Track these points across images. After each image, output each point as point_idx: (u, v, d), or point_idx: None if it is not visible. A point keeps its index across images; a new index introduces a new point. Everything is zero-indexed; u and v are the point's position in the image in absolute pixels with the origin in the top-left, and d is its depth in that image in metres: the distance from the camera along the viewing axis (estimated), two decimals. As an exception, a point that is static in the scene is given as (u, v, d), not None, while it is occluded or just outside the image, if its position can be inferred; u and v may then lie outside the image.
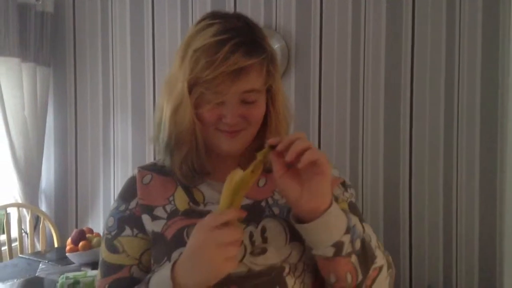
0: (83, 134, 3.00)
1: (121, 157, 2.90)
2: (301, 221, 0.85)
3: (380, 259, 0.91)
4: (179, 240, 0.93)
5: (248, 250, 0.91)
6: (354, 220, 0.88)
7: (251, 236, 0.92)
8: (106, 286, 0.98)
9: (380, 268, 0.90)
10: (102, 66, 2.94)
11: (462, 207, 2.33)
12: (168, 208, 0.98)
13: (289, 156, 0.80)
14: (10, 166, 2.74)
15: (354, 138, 2.48)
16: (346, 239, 0.84)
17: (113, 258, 0.99)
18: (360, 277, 0.87)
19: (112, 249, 0.99)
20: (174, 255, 0.92)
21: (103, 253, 1.01)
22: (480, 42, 2.27)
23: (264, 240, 0.92)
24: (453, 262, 2.35)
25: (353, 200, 1.05)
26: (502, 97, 2.23)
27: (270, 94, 0.98)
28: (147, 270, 0.98)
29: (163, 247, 0.94)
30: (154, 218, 0.97)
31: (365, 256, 0.87)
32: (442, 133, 2.35)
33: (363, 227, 0.99)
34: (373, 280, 0.89)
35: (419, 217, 2.40)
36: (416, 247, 2.40)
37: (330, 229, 0.83)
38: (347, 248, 0.84)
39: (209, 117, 0.93)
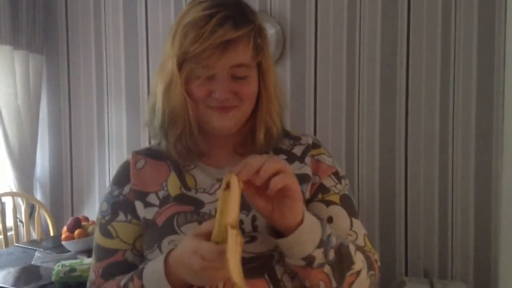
0: (77, 121, 2.99)
1: (115, 144, 2.89)
2: (274, 231, 0.86)
3: (359, 263, 0.91)
4: (169, 228, 0.93)
5: None
6: (330, 229, 0.87)
7: (241, 223, 0.92)
8: (100, 270, 0.98)
9: (358, 273, 0.90)
10: (95, 52, 2.92)
11: (457, 191, 2.33)
12: (161, 194, 0.98)
13: (258, 182, 0.78)
14: (4, 155, 2.73)
15: (350, 124, 2.47)
16: (318, 253, 0.84)
17: (107, 243, 0.99)
18: (334, 284, 0.87)
19: (106, 234, 0.99)
20: (164, 242, 0.92)
21: (97, 238, 1.01)
22: (476, 30, 2.27)
23: (254, 228, 0.92)
24: (449, 246, 2.36)
25: (347, 192, 1.04)
26: (498, 87, 2.23)
27: (260, 71, 0.97)
28: (141, 254, 0.98)
29: (154, 234, 0.94)
30: (147, 205, 0.98)
31: (341, 264, 0.87)
32: (437, 118, 2.34)
33: (351, 223, 0.99)
34: (350, 284, 0.90)
35: (414, 202, 2.40)
36: (411, 232, 2.41)
37: (301, 244, 0.83)
38: (319, 260, 0.84)
39: (199, 93, 0.93)
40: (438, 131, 2.34)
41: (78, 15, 2.94)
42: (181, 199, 0.97)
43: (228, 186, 0.76)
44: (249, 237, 0.91)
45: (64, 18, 2.96)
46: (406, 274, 2.42)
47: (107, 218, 1.00)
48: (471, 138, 2.29)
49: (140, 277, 0.87)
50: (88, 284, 1.01)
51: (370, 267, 0.93)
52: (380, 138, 2.43)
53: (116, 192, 1.02)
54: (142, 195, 0.99)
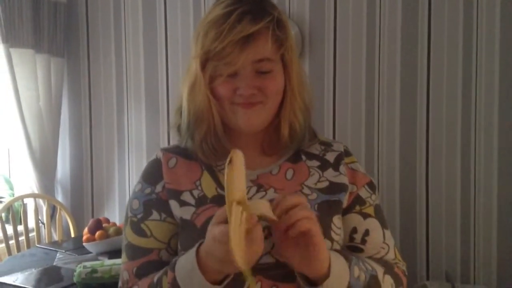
0: (97, 124, 3.01)
1: (135, 146, 2.91)
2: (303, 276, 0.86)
3: (388, 287, 0.92)
4: None
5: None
6: (358, 267, 0.88)
7: None
8: (135, 269, 0.97)
9: None
10: (115, 55, 2.94)
11: (479, 193, 2.30)
12: (196, 193, 0.97)
13: (282, 226, 0.79)
14: (26, 157, 2.76)
15: (369, 125, 2.45)
16: None
17: (141, 242, 0.98)
18: None
19: (140, 232, 0.98)
20: None
21: (129, 236, 1.00)
22: (498, 28, 2.23)
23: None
24: (471, 248, 2.32)
25: (378, 202, 1.05)
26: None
27: (284, 64, 0.96)
28: (175, 253, 0.98)
29: (192, 235, 0.93)
30: (182, 204, 0.97)
31: None
32: (459, 119, 2.31)
33: (384, 235, 1.01)
34: None
35: (436, 204, 2.37)
36: (433, 235, 2.38)
37: None
38: None
39: (223, 90, 0.93)
40: (460, 131, 2.31)
41: (98, 19, 2.96)
42: (219, 200, 0.96)
43: (231, 162, 0.76)
44: None
45: (85, 22, 3.00)
46: (428, 278, 2.39)
47: (139, 216, 0.99)
48: (494, 139, 2.26)
49: (173, 269, 0.87)
50: (120, 283, 1.01)
51: (398, 284, 0.95)
52: (401, 139, 2.41)
53: (148, 190, 1.01)
54: (176, 194, 0.98)
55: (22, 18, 2.64)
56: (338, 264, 0.85)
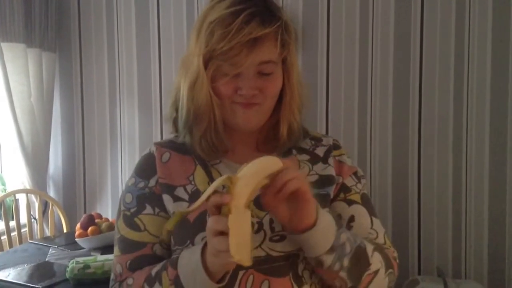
0: (89, 119, 3.00)
1: (128, 141, 2.90)
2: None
3: (376, 264, 0.92)
4: (202, 224, 0.92)
5: (268, 236, 0.92)
6: (346, 236, 0.88)
7: (271, 222, 0.93)
8: (128, 262, 0.98)
9: (376, 272, 0.92)
10: (107, 50, 2.92)
11: (471, 189, 2.31)
12: (189, 188, 0.98)
13: (273, 189, 0.81)
14: (18, 153, 2.74)
15: (362, 122, 2.46)
16: (327, 258, 0.85)
17: (135, 236, 0.98)
18: (350, 284, 0.89)
19: (133, 226, 0.99)
20: (197, 239, 0.92)
21: (122, 230, 1.00)
22: (490, 24, 2.24)
23: (284, 227, 0.92)
24: (462, 244, 2.34)
25: (365, 191, 1.06)
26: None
27: (285, 66, 0.97)
28: (169, 248, 0.98)
29: (186, 230, 0.94)
30: (176, 199, 0.97)
31: (357, 267, 0.89)
32: (451, 116, 2.32)
33: (371, 221, 1.01)
34: (368, 283, 0.91)
35: (428, 200, 2.38)
36: (424, 230, 2.39)
37: (312, 246, 0.85)
38: (328, 265, 0.86)
39: (225, 90, 0.93)
40: (451, 130, 2.32)
41: (90, 13, 2.95)
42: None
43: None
44: (279, 236, 0.92)
45: (77, 16, 2.98)
46: (419, 273, 2.41)
47: (132, 210, 1.00)
48: (486, 135, 2.27)
49: (175, 266, 0.87)
50: (113, 276, 1.01)
51: (388, 266, 0.95)
52: (393, 134, 2.42)
53: (141, 185, 1.01)
54: (169, 189, 0.98)
55: (14, 12, 2.62)
56: (327, 223, 0.86)
